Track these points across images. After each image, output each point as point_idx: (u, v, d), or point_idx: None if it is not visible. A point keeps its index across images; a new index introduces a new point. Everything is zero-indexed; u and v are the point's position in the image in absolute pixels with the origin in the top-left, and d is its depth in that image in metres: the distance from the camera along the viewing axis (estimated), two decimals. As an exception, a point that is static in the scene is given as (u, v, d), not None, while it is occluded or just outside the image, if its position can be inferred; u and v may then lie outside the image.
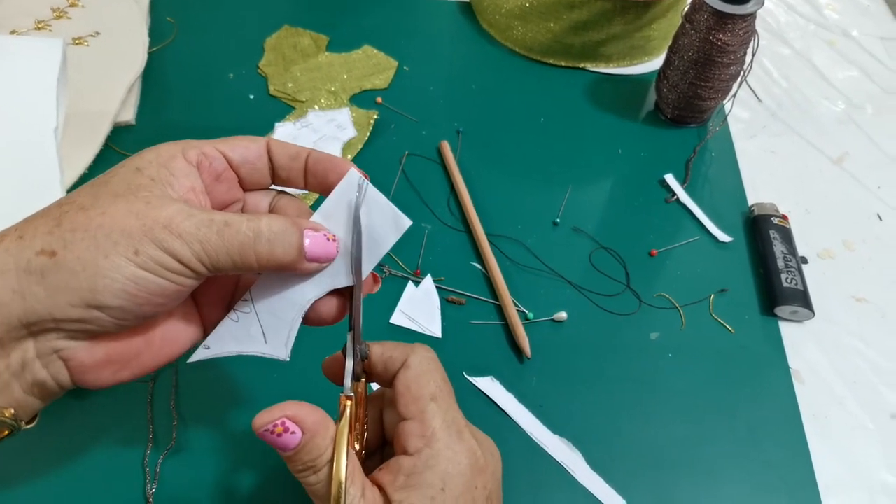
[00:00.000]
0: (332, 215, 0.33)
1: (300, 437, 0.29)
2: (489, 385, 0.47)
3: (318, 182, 0.34)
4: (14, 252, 0.27)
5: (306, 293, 0.33)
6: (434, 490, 0.29)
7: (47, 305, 0.27)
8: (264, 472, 0.42)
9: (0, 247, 0.27)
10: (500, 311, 0.50)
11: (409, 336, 0.49)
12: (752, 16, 0.56)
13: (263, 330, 0.33)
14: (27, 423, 0.31)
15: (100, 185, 0.29)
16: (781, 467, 0.45)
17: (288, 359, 0.33)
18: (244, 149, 0.33)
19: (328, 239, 0.31)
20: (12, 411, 0.29)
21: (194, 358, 0.33)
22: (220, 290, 0.34)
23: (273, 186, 0.35)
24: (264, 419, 0.29)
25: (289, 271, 0.31)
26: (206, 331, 0.34)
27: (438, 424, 0.31)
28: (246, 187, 0.34)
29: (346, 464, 0.29)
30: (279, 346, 0.33)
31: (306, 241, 0.31)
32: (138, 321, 0.29)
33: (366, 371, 0.33)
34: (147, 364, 0.32)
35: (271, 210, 0.35)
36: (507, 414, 0.46)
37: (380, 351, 0.33)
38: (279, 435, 0.29)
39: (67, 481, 0.40)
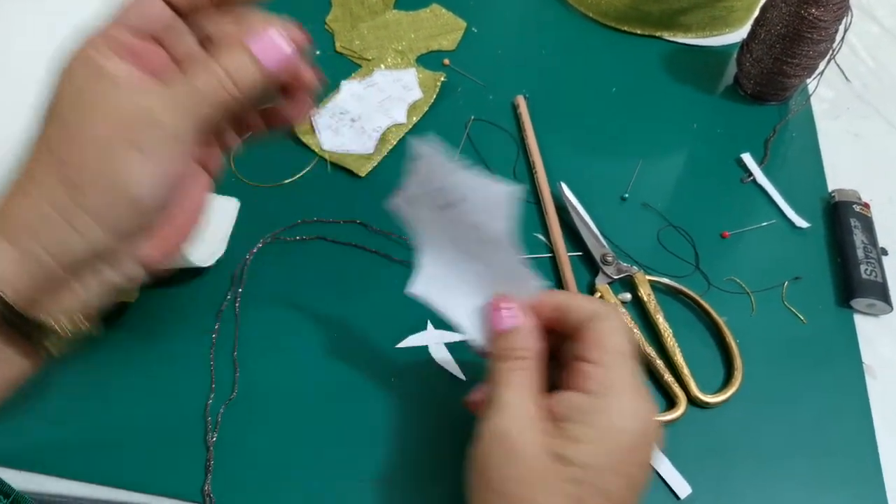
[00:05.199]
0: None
1: (516, 322, 0.34)
2: None
3: None
4: (45, 194, 0.28)
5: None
6: (600, 433, 0.30)
7: (98, 234, 0.28)
8: (323, 425, 0.42)
9: (26, 202, 0.28)
10: (562, 285, 0.49)
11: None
12: (850, -11, 0.53)
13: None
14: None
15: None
16: (847, 460, 0.43)
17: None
18: (139, 15, 0.30)
19: (277, 36, 0.29)
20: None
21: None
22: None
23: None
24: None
25: (268, 86, 0.30)
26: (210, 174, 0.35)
27: (626, 376, 0.32)
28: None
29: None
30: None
31: (253, 49, 0.29)
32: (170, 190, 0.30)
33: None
34: (187, 226, 0.33)
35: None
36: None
37: (563, 297, 0.35)
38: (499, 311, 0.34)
39: (130, 427, 0.41)
